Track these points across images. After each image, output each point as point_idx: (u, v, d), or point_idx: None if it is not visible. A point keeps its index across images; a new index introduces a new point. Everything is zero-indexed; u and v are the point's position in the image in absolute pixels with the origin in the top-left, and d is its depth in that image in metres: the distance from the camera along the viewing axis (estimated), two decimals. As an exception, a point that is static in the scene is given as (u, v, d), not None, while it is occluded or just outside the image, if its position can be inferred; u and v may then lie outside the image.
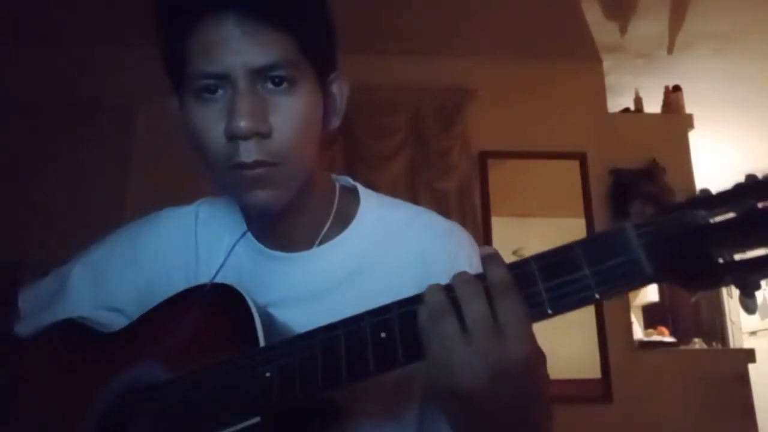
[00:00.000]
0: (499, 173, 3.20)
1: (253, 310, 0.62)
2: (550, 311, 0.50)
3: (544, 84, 3.31)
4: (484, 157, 3.20)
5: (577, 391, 2.96)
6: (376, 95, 3.16)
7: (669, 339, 3.43)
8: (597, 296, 0.49)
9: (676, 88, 3.50)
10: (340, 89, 0.74)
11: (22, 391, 0.72)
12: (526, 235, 3.11)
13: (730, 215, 0.46)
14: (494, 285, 0.51)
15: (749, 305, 0.47)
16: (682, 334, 3.47)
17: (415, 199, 2.97)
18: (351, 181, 0.82)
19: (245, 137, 0.62)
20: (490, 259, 0.53)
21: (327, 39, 0.71)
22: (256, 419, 0.57)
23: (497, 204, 3.15)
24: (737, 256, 0.46)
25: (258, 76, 0.63)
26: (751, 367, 3.10)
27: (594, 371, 3.00)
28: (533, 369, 0.51)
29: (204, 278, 0.71)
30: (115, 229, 0.84)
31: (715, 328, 4.51)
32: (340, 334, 0.56)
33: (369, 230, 0.75)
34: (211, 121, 0.64)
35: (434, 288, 0.53)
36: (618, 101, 3.61)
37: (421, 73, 3.24)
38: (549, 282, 0.51)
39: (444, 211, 0.82)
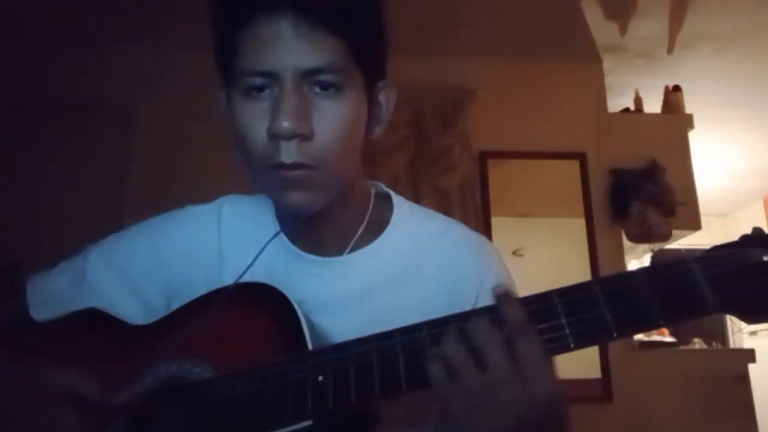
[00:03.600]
0: (499, 173, 3.20)
1: (299, 313, 0.63)
2: (616, 334, 0.52)
3: (544, 84, 3.31)
4: (484, 156, 3.20)
5: (577, 391, 2.96)
6: (376, 95, 3.16)
7: (669, 339, 3.43)
8: (662, 323, 0.51)
9: (676, 88, 3.50)
10: (387, 98, 0.74)
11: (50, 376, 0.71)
12: (526, 235, 3.11)
13: None
14: (512, 325, 0.52)
15: None
16: (682, 334, 3.48)
17: (416, 196, 2.97)
18: (384, 187, 0.83)
19: (287, 138, 0.62)
20: (504, 298, 0.53)
21: (380, 46, 0.70)
22: (308, 422, 0.57)
23: (497, 204, 3.14)
24: None
25: (306, 78, 0.63)
26: (751, 367, 3.10)
27: (594, 371, 3.00)
28: (557, 406, 0.52)
29: (229, 276, 0.70)
30: (123, 227, 0.83)
31: (715, 328, 4.51)
32: (396, 344, 0.56)
33: (401, 240, 0.75)
34: (255, 119, 0.64)
35: (452, 339, 0.53)
36: (618, 101, 3.61)
37: (421, 73, 3.23)
38: (614, 306, 0.52)
39: (446, 209, 0.82)
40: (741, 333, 4.72)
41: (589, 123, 3.30)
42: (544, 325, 0.53)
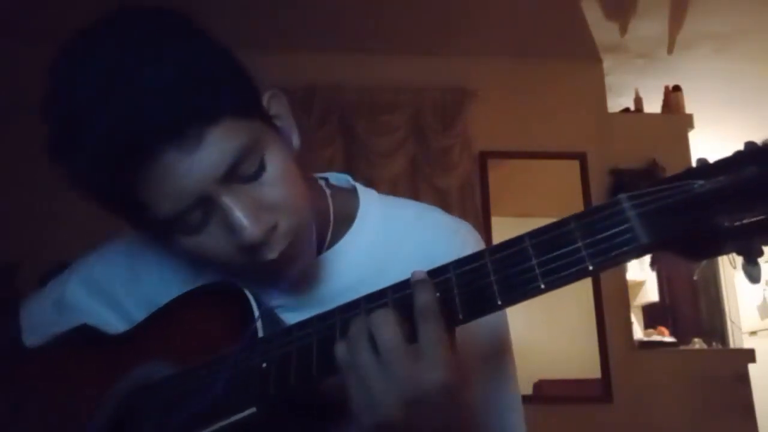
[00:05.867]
0: (499, 173, 3.20)
1: (253, 303, 0.63)
2: (543, 286, 0.50)
3: (544, 84, 3.31)
4: (484, 156, 3.20)
5: (577, 391, 2.96)
6: (376, 95, 3.16)
7: (669, 339, 3.44)
8: (591, 268, 0.49)
9: (676, 88, 3.51)
10: (280, 105, 0.68)
11: (35, 399, 0.73)
12: (526, 235, 3.10)
13: (730, 182, 0.46)
14: (418, 309, 0.52)
15: (753, 273, 0.47)
16: (682, 334, 3.48)
17: (416, 197, 2.95)
18: (350, 180, 0.80)
19: (262, 242, 0.59)
20: (419, 284, 0.53)
21: (238, 74, 0.63)
22: (252, 410, 0.57)
23: (497, 204, 3.15)
24: (738, 223, 0.45)
25: (228, 178, 0.58)
26: (751, 367, 3.10)
27: (594, 371, 3.00)
28: (452, 396, 0.51)
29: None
30: (108, 239, 0.83)
31: (715, 328, 4.51)
32: (335, 321, 0.56)
33: (372, 230, 0.74)
34: (215, 244, 0.60)
35: (358, 318, 0.54)
36: (618, 101, 3.61)
37: (421, 73, 3.24)
38: (542, 257, 0.51)
39: (445, 209, 0.80)
40: (741, 333, 4.72)
41: (589, 123, 3.30)
42: (475, 285, 0.53)
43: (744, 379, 3.05)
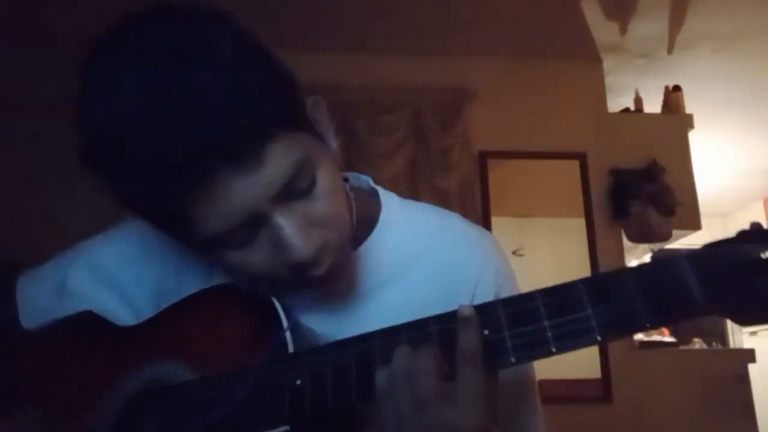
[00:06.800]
0: (499, 173, 3.20)
1: (281, 313, 0.60)
2: (599, 338, 0.49)
3: (544, 84, 3.31)
4: (484, 156, 3.20)
5: (577, 391, 2.96)
6: (376, 95, 3.16)
7: (669, 339, 3.43)
8: (648, 325, 0.48)
9: (676, 88, 3.50)
10: (321, 111, 0.64)
11: (35, 384, 0.70)
12: (526, 235, 3.11)
13: None
14: (461, 351, 0.51)
15: None
16: (682, 334, 3.48)
17: (416, 197, 2.95)
18: (370, 182, 0.78)
19: (313, 261, 0.58)
20: (465, 321, 0.52)
21: (297, 93, 0.60)
22: (285, 428, 0.55)
23: (497, 204, 3.14)
24: None
25: (282, 196, 0.55)
26: (751, 367, 3.10)
27: (594, 371, 3.00)
28: None
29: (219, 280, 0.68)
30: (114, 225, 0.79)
31: (715, 328, 4.51)
32: (375, 346, 0.55)
33: (394, 236, 0.72)
34: (262, 259, 0.58)
35: (402, 351, 0.52)
36: (618, 101, 3.61)
37: (421, 73, 3.24)
38: (597, 308, 0.49)
39: (446, 209, 0.80)
40: (741, 333, 4.73)
41: (589, 123, 3.30)
42: (526, 327, 0.51)
43: (744, 379, 3.05)
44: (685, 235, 3.43)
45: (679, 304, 0.48)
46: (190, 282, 0.69)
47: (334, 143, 0.65)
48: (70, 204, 2.76)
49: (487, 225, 3.09)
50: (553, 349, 0.50)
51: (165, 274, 0.72)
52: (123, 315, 0.71)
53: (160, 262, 0.73)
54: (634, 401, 2.92)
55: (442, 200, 3.03)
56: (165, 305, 0.68)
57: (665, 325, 0.49)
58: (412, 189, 3.08)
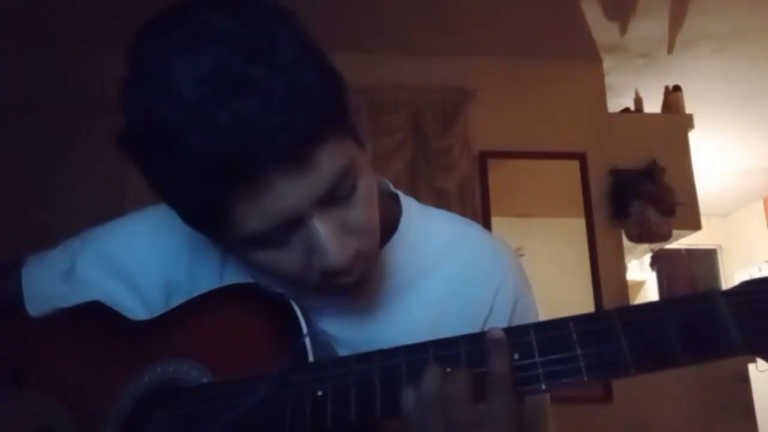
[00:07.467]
0: (499, 173, 3.20)
1: (301, 319, 0.59)
2: (633, 371, 0.50)
3: (544, 84, 3.31)
4: (484, 156, 3.20)
5: (577, 391, 2.96)
6: (376, 95, 3.16)
7: (669, 339, 3.43)
8: (682, 362, 0.48)
9: (676, 88, 3.50)
10: (360, 115, 0.62)
11: (43, 372, 0.68)
12: (526, 235, 3.11)
13: None
14: (492, 376, 0.50)
15: None
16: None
17: (416, 197, 2.96)
18: (390, 186, 0.77)
19: (346, 269, 0.57)
20: (496, 345, 0.51)
21: (346, 96, 0.59)
22: None
23: (497, 204, 3.14)
24: None
25: (324, 201, 0.55)
26: (751, 367, 3.10)
27: (594, 371, 2.99)
28: None
29: (231, 275, 0.67)
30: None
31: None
32: (401, 363, 0.54)
33: (413, 243, 0.71)
34: (288, 260, 0.57)
35: (434, 374, 0.51)
36: (618, 101, 3.61)
37: (421, 73, 3.24)
38: (632, 339, 0.50)
39: (446, 209, 0.79)
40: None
41: (589, 123, 3.30)
42: (559, 355, 0.50)
43: (744, 379, 3.05)
44: (684, 235, 3.43)
45: (716, 344, 0.47)
46: (202, 277, 0.68)
47: (370, 145, 0.64)
48: (70, 204, 2.76)
49: (487, 225, 3.08)
50: (585, 378, 0.49)
51: (175, 266, 0.71)
52: (132, 306, 0.69)
53: (170, 254, 0.71)
54: (634, 401, 2.92)
55: (442, 200, 3.03)
56: (176, 299, 0.67)
57: (698, 363, 0.49)
58: (412, 189, 3.08)
